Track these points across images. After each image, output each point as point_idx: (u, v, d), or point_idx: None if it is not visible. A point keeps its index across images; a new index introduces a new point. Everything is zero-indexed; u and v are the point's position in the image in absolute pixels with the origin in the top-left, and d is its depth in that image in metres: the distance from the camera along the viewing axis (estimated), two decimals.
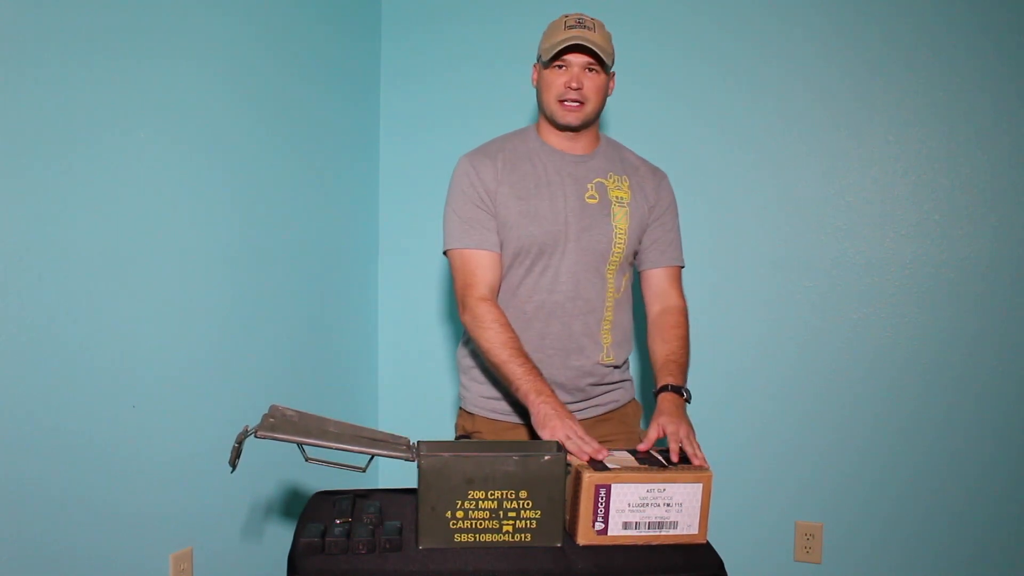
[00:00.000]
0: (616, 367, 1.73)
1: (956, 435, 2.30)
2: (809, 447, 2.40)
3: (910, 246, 2.31)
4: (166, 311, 1.85)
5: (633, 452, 1.39)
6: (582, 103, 1.62)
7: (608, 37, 1.64)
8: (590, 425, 1.69)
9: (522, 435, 1.68)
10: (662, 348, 1.67)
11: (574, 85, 1.60)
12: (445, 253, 1.69)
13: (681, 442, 1.39)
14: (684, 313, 1.74)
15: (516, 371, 1.52)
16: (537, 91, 1.69)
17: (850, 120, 2.33)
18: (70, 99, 1.59)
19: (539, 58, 1.67)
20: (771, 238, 2.40)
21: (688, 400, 1.59)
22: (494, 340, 1.56)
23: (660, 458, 1.35)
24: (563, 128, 1.66)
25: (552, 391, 1.50)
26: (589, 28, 1.60)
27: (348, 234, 2.58)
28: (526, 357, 1.54)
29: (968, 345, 2.29)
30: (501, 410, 1.70)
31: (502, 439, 1.68)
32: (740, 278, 2.42)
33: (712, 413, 2.46)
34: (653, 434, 1.46)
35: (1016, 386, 2.26)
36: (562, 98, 1.62)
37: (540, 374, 1.52)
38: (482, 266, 1.63)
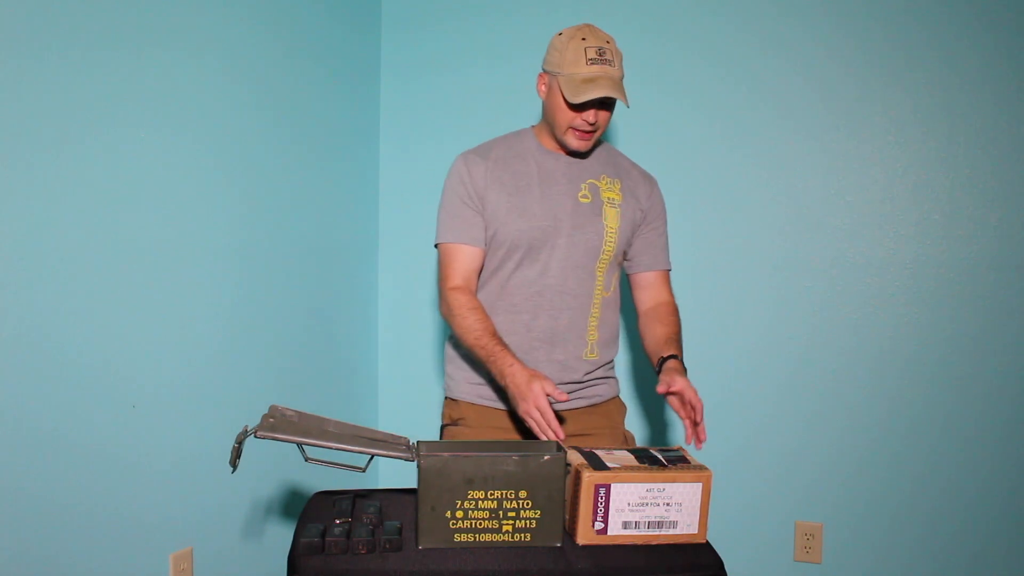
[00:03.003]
0: (599, 365, 1.75)
1: (957, 435, 2.30)
2: (809, 447, 2.40)
3: (911, 246, 2.31)
4: (166, 310, 1.85)
5: (633, 451, 1.39)
6: (594, 131, 1.63)
7: (622, 61, 1.61)
8: (575, 415, 1.71)
9: (506, 421, 1.70)
10: (661, 329, 1.71)
11: (591, 120, 1.60)
12: (437, 248, 1.74)
13: (694, 407, 1.50)
14: (676, 308, 1.79)
15: (487, 350, 1.56)
16: (545, 103, 1.66)
17: (851, 120, 2.33)
18: (69, 97, 1.59)
19: (551, 72, 1.61)
20: (772, 238, 2.40)
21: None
22: (466, 326, 1.61)
23: (660, 458, 1.35)
24: (571, 153, 1.69)
25: (522, 362, 1.54)
26: (610, 62, 1.56)
27: (348, 232, 2.58)
28: (498, 338, 1.58)
29: (970, 345, 2.29)
30: (486, 396, 1.72)
31: (487, 425, 1.71)
32: (741, 278, 2.42)
33: (712, 413, 2.44)
34: (672, 380, 1.52)
35: (1018, 386, 2.26)
36: (575, 127, 1.62)
37: (511, 352, 1.56)
38: (458, 259, 1.68)
